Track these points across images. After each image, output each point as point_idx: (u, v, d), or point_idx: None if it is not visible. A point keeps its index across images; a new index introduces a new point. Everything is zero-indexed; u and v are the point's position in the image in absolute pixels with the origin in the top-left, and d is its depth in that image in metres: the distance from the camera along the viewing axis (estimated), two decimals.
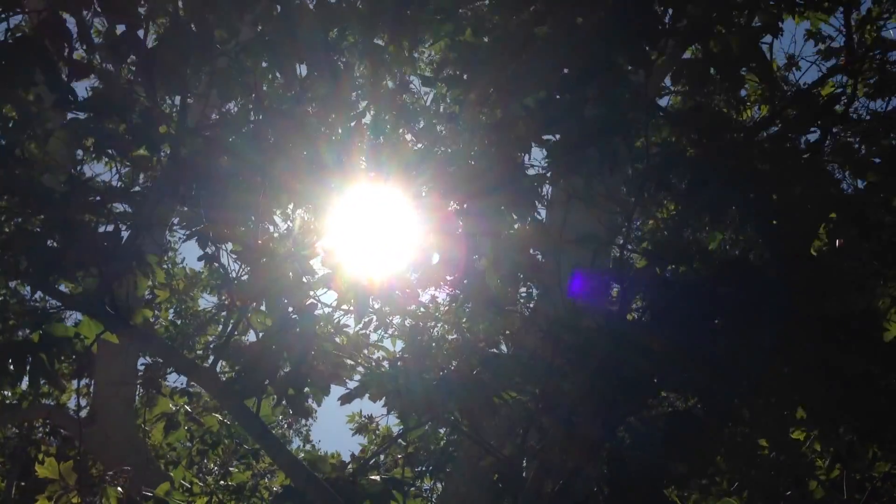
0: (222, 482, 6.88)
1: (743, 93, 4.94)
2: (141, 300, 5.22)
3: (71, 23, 2.82)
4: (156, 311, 6.99)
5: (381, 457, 5.57)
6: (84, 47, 2.89)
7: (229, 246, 3.44)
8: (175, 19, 3.00)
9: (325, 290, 3.42)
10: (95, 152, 3.27)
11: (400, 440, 5.28)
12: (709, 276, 2.49)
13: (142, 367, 6.37)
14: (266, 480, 7.57)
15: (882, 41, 4.06)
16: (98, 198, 3.24)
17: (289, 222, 4.98)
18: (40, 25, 2.73)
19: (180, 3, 3.04)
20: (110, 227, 3.15)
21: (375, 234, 3.27)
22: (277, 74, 3.56)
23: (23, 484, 7.09)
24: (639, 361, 2.41)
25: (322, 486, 3.07)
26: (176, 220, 3.53)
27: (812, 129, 2.79)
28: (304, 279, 3.29)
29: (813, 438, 3.68)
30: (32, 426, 7.69)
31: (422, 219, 3.05)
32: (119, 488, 3.87)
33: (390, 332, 6.05)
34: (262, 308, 3.42)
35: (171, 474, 5.90)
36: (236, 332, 4.09)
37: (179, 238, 7.32)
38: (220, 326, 7.06)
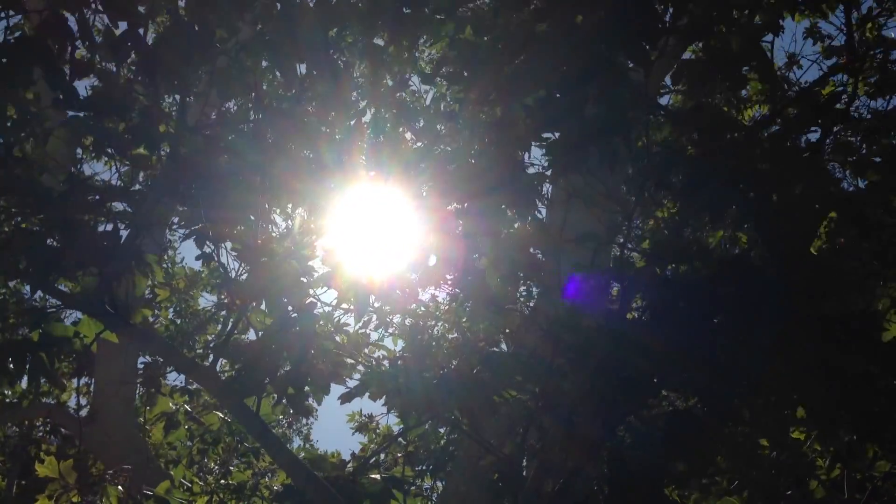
0: (223, 481, 6.89)
1: (744, 93, 4.94)
2: (141, 299, 5.22)
3: (71, 22, 2.82)
4: (156, 311, 6.98)
5: (382, 456, 5.56)
6: (86, 44, 2.89)
7: (229, 245, 3.44)
8: (175, 18, 2.99)
9: (325, 288, 3.42)
10: (95, 151, 3.27)
11: (400, 439, 5.28)
12: (709, 276, 2.49)
13: (142, 366, 6.37)
14: (267, 479, 7.57)
15: (883, 40, 4.06)
16: (97, 197, 3.24)
17: (289, 221, 4.98)
18: (42, 25, 2.73)
19: (181, 2, 3.04)
20: (110, 227, 3.15)
21: (375, 233, 3.27)
22: (277, 73, 3.56)
23: (23, 483, 7.10)
24: (639, 361, 2.41)
25: (322, 485, 3.07)
26: (175, 220, 3.52)
27: (813, 128, 2.79)
28: (304, 278, 3.28)
29: (813, 438, 3.68)
30: (33, 425, 7.69)
31: (422, 218, 3.04)
32: (119, 487, 3.87)
33: (390, 331, 6.04)
34: (262, 307, 3.42)
35: (172, 473, 5.91)
36: (236, 331, 4.09)
37: (179, 237, 7.32)
38: (220, 325, 7.06)
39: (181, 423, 6.31)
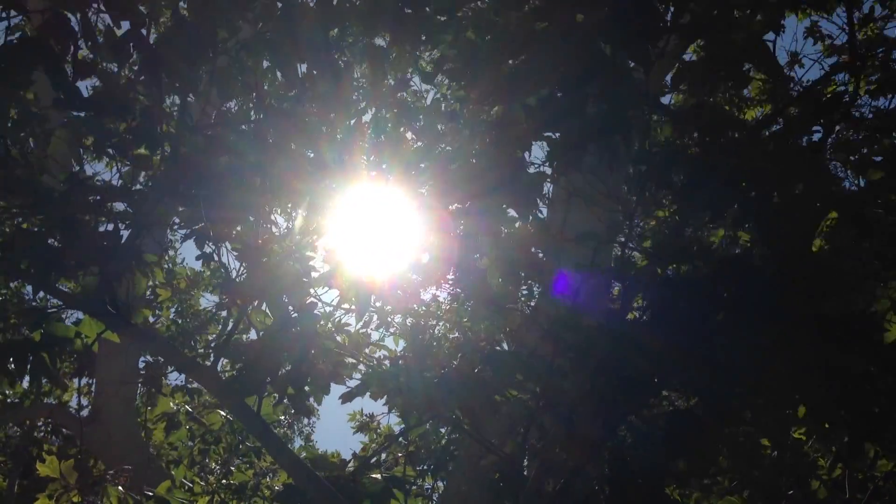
0: (224, 481, 6.89)
1: (746, 92, 4.93)
2: (142, 299, 5.22)
3: (73, 22, 2.82)
4: (157, 311, 6.99)
5: (383, 455, 5.56)
6: (88, 44, 2.89)
7: (229, 245, 3.44)
8: (177, 18, 2.99)
9: (326, 288, 3.42)
10: (96, 151, 3.27)
11: (401, 439, 5.28)
12: (709, 275, 2.49)
13: (143, 366, 6.37)
14: (268, 479, 7.58)
15: (885, 39, 4.06)
16: (98, 197, 3.24)
17: (289, 221, 4.98)
18: (44, 25, 2.73)
19: (182, 3, 3.04)
20: (110, 227, 3.15)
21: (376, 233, 3.27)
22: (278, 73, 3.56)
23: (24, 482, 7.11)
24: (639, 361, 2.40)
25: (323, 485, 3.07)
26: (176, 220, 3.52)
27: (815, 127, 2.78)
28: (305, 278, 3.28)
29: (814, 438, 3.67)
30: (34, 425, 7.70)
31: (423, 217, 3.04)
32: (120, 487, 3.88)
33: (391, 330, 6.04)
34: (263, 307, 3.42)
35: (173, 473, 5.91)
36: (237, 331, 4.09)
37: (179, 237, 7.32)
38: (221, 325, 7.06)
39: (182, 423, 6.31)
